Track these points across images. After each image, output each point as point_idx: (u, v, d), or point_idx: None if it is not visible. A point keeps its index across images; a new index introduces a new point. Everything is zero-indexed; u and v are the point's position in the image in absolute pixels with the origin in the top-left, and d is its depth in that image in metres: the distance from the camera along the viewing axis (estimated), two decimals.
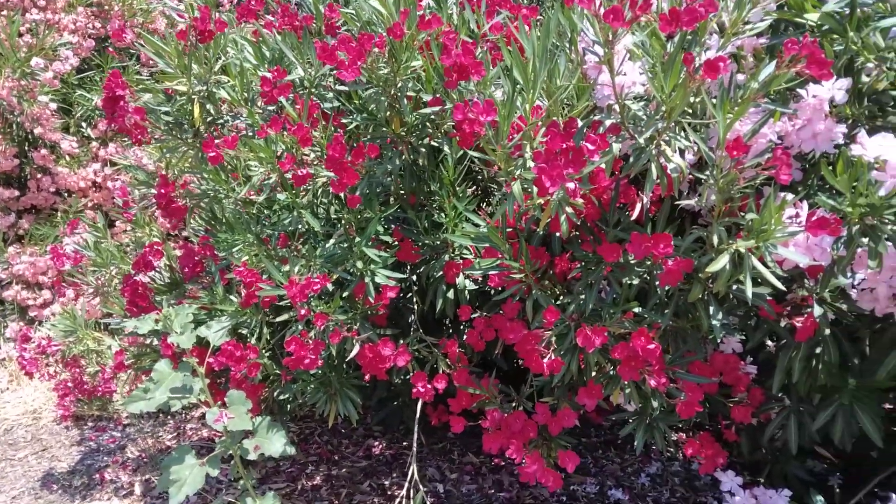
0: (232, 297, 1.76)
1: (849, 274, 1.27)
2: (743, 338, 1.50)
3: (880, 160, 0.98)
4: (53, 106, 3.38)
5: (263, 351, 1.75)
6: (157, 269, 2.03)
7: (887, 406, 1.71)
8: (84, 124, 3.75)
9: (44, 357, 2.31)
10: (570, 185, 1.00)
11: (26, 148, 3.51)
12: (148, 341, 2.13)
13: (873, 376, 1.40)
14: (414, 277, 1.83)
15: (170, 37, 1.61)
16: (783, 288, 1.12)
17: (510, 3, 1.71)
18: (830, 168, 1.08)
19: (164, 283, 2.03)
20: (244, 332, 1.80)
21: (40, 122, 3.33)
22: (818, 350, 1.44)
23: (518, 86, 1.10)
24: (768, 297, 1.24)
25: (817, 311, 1.29)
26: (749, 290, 1.08)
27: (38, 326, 2.90)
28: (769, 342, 1.57)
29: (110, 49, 3.72)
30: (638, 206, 1.40)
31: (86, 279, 2.32)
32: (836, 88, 1.13)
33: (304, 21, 1.80)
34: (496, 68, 1.33)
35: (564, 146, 0.98)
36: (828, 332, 1.39)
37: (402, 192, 1.65)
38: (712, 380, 1.35)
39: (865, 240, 1.10)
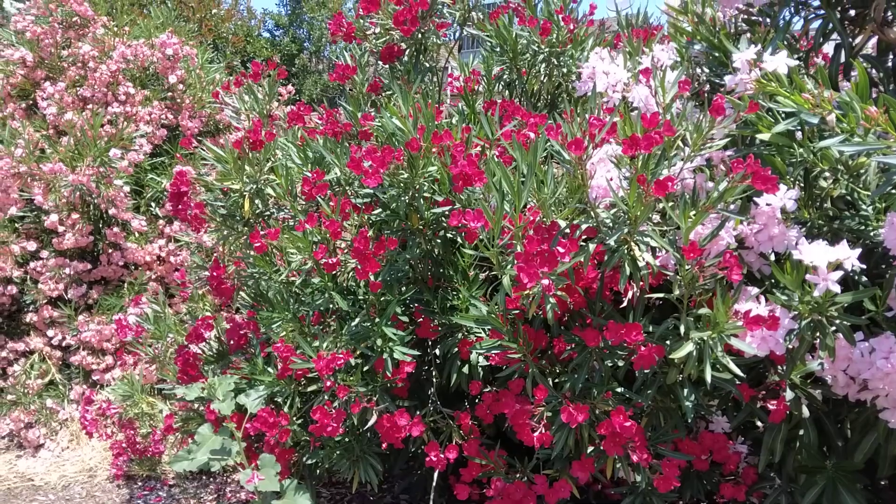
0: (270, 368, 1.96)
1: (816, 362, 1.39)
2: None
3: (813, 265, 1.13)
4: (127, 189, 3.76)
5: (294, 418, 1.93)
6: (207, 341, 2.27)
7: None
8: (153, 204, 4.13)
9: (103, 419, 2.55)
10: (545, 282, 1.18)
11: (100, 226, 3.89)
12: (195, 406, 2.35)
13: (853, 458, 1.48)
14: (437, 352, 2.00)
15: (227, 144, 1.90)
16: (742, 374, 1.25)
17: (522, 111, 1.94)
18: (780, 267, 1.23)
19: (212, 354, 2.26)
20: (279, 400, 2.00)
21: (115, 204, 3.70)
22: (801, 432, 1.54)
23: (507, 195, 1.30)
24: (740, 382, 1.37)
25: (789, 394, 1.41)
26: (708, 374, 1.22)
27: (99, 390, 3.16)
28: (759, 423, 1.67)
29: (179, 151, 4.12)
30: (630, 294, 1.57)
31: (144, 349, 2.57)
32: (786, 198, 1.29)
33: (343, 128, 2.07)
34: (499, 175, 1.53)
35: (539, 249, 1.17)
36: (807, 414, 1.50)
37: (419, 276, 1.85)
38: (692, 457, 1.46)
39: (816, 333, 1.23)
